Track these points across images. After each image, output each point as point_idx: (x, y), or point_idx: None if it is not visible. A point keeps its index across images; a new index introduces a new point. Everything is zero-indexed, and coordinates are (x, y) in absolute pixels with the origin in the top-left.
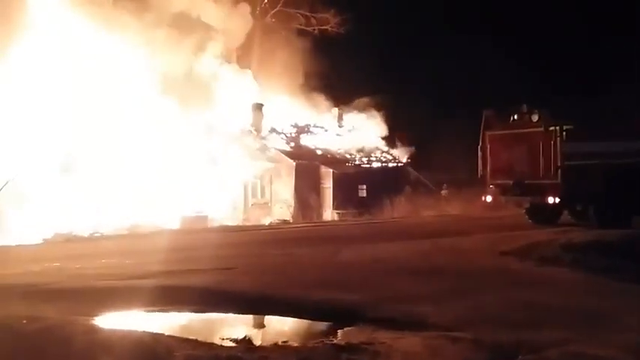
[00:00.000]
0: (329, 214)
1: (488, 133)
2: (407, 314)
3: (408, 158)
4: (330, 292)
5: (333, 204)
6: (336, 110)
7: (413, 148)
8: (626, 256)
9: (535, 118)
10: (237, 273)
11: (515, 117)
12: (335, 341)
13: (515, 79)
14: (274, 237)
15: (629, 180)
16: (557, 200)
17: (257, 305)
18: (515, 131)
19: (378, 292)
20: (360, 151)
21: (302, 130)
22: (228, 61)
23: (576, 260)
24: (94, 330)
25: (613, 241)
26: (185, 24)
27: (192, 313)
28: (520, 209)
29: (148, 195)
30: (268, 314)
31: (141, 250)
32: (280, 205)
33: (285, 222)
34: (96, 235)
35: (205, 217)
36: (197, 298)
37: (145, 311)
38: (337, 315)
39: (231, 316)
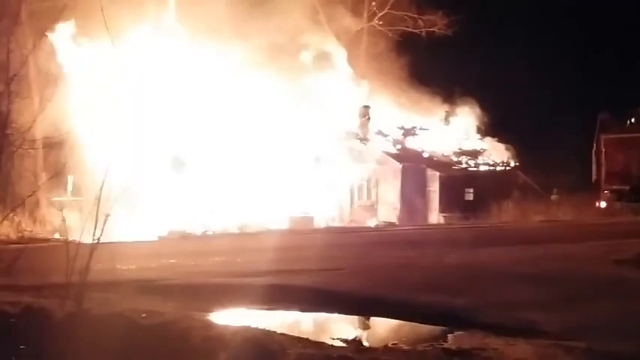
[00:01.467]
0: (435, 217)
1: (603, 136)
2: (518, 321)
3: (516, 162)
4: (439, 296)
5: (439, 207)
6: (442, 112)
7: (521, 152)
8: None
9: None
10: (344, 274)
11: (633, 120)
12: (445, 345)
13: (632, 80)
14: (380, 239)
15: None
16: None
17: (365, 306)
18: (633, 135)
19: (487, 297)
20: (466, 153)
21: (408, 132)
22: (337, 64)
23: None
24: (210, 326)
25: None
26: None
27: (302, 312)
28: (636, 216)
29: (256, 195)
30: (376, 316)
31: (250, 249)
32: (386, 207)
33: (390, 224)
34: (208, 233)
35: (312, 218)
36: (306, 298)
37: (256, 309)
38: (446, 319)
39: (339, 316)
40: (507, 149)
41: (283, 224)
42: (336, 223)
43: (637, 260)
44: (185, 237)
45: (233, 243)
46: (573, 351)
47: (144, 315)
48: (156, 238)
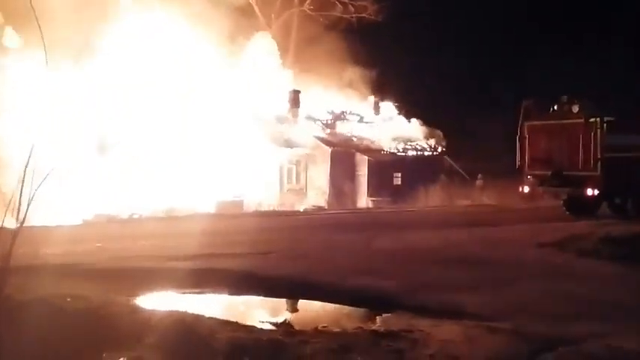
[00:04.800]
0: (363, 201)
1: (527, 123)
2: (444, 303)
3: (444, 147)
4: (367, 279)
5: (367, 191)
6: (372, 98)
7: (447, 138)
8: None
9: (575, 109)
10: (274, 258)
11: (555, 108)
12: (374, 327)
13: (556, 70)
14: (310, 223)
15: None
16: (596, 192)
17: (295, 290)
18: (555, 122)
19: (414, 280)
20: (395, 139)
21: (338, 117)
22: (267, 48)
23: (615, 254)
24: (137, 310)
25: None
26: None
27: (231, 296)
28: (557, 200)
29: (184, 178)
30: (306, 299)
31: (178, 233)
32: (315, 191)
33: (319, 208)
34: (134, 217)
35: (241, 202)
36: (235, 281)
37: (184, 293)
38: (375, 301)
39: (269, 299)
40: (435, 135)
41: (212, 208)
42: (266, 207)
43: (559, 243)
44: (111, 220)
45: (160, 227)
46: (498, 332)
47: (68, 300)
48: (81, 222)
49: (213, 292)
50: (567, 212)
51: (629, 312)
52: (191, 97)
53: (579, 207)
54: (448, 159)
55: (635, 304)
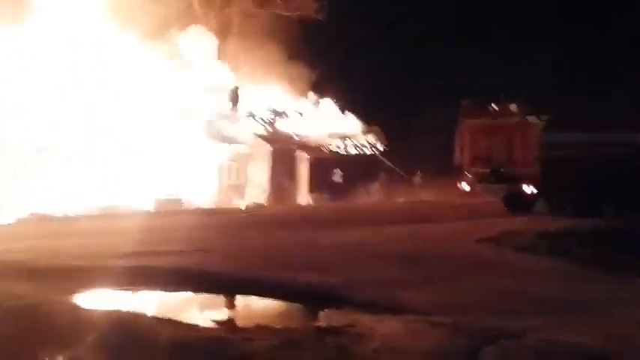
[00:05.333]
0: (304, 198)
1: (466, 121)
2: (386, 298)
3: (384, 145)
4: (309, 275)
5: (308, 189)
6: (313, 96)
7: (386, 135)
8: (601, 245)
9: (513, 108)
10: (215, 255)
11: (494, 107)
12: (318, 324)
13: (495, 70)
14: (250, 220)
15: (601, 170)
16: (533, 189)
17: (237, 287)
18: (494, 121)
19: (356, 276)
20: (336, 137)
21: (279, 114)
22: (206, 44)
23: (551, 249)
24: (76, 308)
25: (588, 230)
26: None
27: (172, 294)
28: (496, 197)
29: (121, 176)
30: (248, 296)
31: (116, 231)
32: (255, 188)
33: (260, 205)
34: (70, 215)
35: (179, 200)
36: (176, 279)
37: (122, 291)
38: (318, 298)
39: (210, 297)
40: (374, 132)
41: (150, 206)
42: (205, 205)
43: (497, 239)
44: (46, 219)
45: (97, 225)
46: (439, 326)
47: (3, 298)
48: (15, 221)
49: (153, 290)
50: (505, 209)
51: (565, 306)
52: (130, 96)
53: (517, 203)
54: (384, 159)
55: (570, 298)
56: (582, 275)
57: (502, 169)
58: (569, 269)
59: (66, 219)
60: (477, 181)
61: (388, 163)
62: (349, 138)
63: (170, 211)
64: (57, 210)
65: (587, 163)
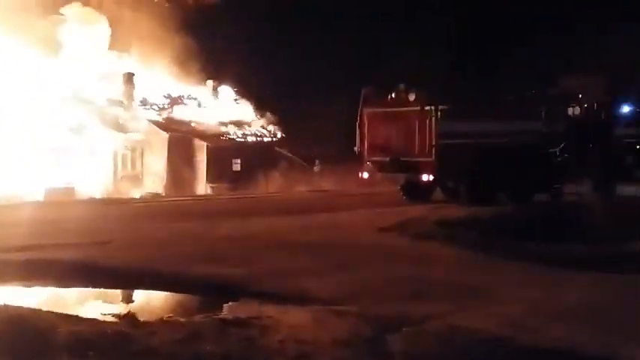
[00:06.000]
0: (202, 188)
1: (366, 110)
2: (290, 288)
3: (282, 133)
4: (211, 267)
5: (206, 178)
6: (210, 83)
7: (285, 123)
8: (497, 232)
9: (412, 97)
10: (111, 247)
11: (393, 95)
12: (222, 316)
13: (396, 57)
14: (147, 210)
15: (497, 159)
16: (431, 177)
17: (135, 280)
18: (393, 109)
19: (259, 267)
20: (234, 124)
21: (175, 101)
22: (101, 30)
23: (450, 236)
24: None
25: (484, 217)
26: None
27: (68, 288)
28: (395, 186)
29: (8, 165)
30: (148, 289)
31: (5, 222)
32: (152, 177)
33: (157, 195)
34: None
35: (72, 189)
36: (71, 273)
37: (14, 286)
38: (220, 290)
39: (109, 291)
40: (274, 121)
41: (40, 196)
42: (99, 195)
43: (398, 227)
44: None
45: None
46: (344, 315)
47: None
48: None
49: (48, 285)
50: (405, 197)
51: (467, 292)
52: (20, 80)
53: (416, 192)
54: (280, 149)
55: (471, 284)
56: (481, 262)
57: (401, 158)
58: (468, 256)
59: None
60: (377, 169)
61: (286, 152)
62: (248, 126)
63: (62, 202)
64: None
65: (482, 152)
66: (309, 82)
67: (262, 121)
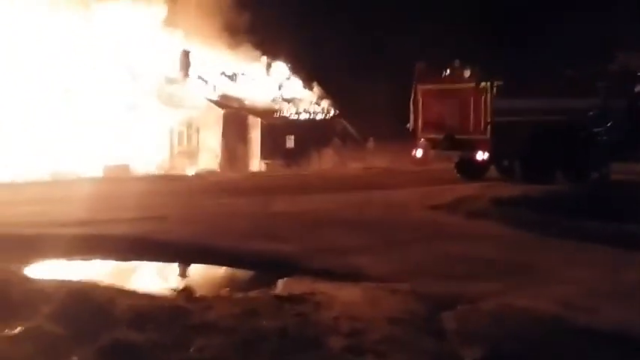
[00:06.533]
0: (256, 164)
1: (420, 86)
2: (343, 265)
3: (336, 110)
4: (265, 243)
5: (260, 154)
6: (264, 59)
7: (339, 100)
8: (552, 210)
9: (467, 73)
10: (168, 222)
11: (448, 72)
12: (276, 292)
13: (449, 32)
14: (202, 186)
15: (553, 137)
16: (486, 155)
17: (192, 255)
18: (447, 86)
19: (312, 244)
20: (287, 101)
21: (230, 79)
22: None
23: (505, 214)
24: (28, 279)
25: (539, 196)
26: None
27: (127, 262)
28: (449, 164)
29: (69, 141)
30: (205, 264)
31: (64, 198)
32: (207, 154)
33: (212, 171)
34: (17, 182)
35: (128, 166)
36: (129, 247)
37: (75, 260)
38: (274, 266)
39: (166, 265)
40: (327, 98)
41: (99, 172)
42: (156, 171)
43: (451, 205)
44: None
45: (44, 191)
46: (398, 292)
47: None
48: None
49: (107, 260)
50: (458, 175)
51: (521, 271)
52: (72, 58)
53: (470, 170)
54: (343, 121)
55: (526, 263)
56: (536, 241)
57: (455, 136)
58: (523, 235)
59: (12, 185)
60: (430, 147)
61: (346, 125)
62: (301, 102)
63: (119, 178)
64: (2, 176)
65: (538, 129)
66: (363, 58)
67: (315, 98)
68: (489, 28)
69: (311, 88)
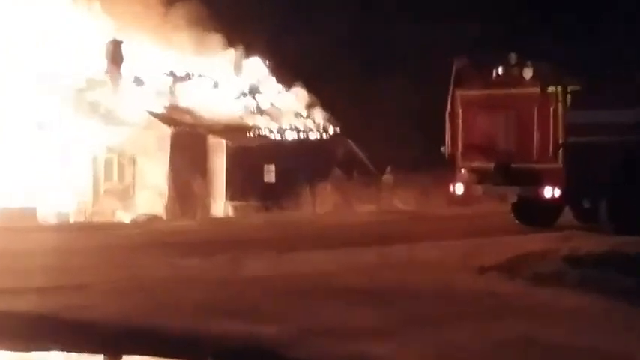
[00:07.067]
0: (220, 207)
1: (460, 92)
2: (348, 355)
3: (337, 127)
4: (237, 322)
5: (226, 192)
6: (232, 53)
7: (343, 115)
8: None
9: (528, 73)
10: (90, 292)
11: (500, 71)
12: None
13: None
14: (143, 240)
15: None
16: (557, 193)
17: (123, 342)
18: (500, 92)
19: (303, 323)
20: (267, 114)
21: (181, 80)
22: None
23: (586, 279)
24: None
25: (636, 252)
26: None
27: (26, 354)
28: (504, 205)
29: None
30: (141, 355)
31: None
32: (148, 192)
33: (155, 218)
34: None
35: (35, 210)
36: (31, 331)
37: None
38: (250, 356)
39: (84, 358)
40: (324, 108)
41: None
42: (74, 218)
43: (507, 267)
44: None
45: None
46: None
47: None
48: None
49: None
50: (517, 221)
51: None
52: None
53: (534, 213)
54: (348, 142)
55: (616, 351)
56: (632, 318)
57: (512, 164)
58: (613, 309)
59: None
60: (475, 181)
61: (353, 148)
62: (286, 115)
63: (22, 228)
64: None
65: (632, 154)
66: (370, 51)
67: (306, 109)
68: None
69: (300, 96)
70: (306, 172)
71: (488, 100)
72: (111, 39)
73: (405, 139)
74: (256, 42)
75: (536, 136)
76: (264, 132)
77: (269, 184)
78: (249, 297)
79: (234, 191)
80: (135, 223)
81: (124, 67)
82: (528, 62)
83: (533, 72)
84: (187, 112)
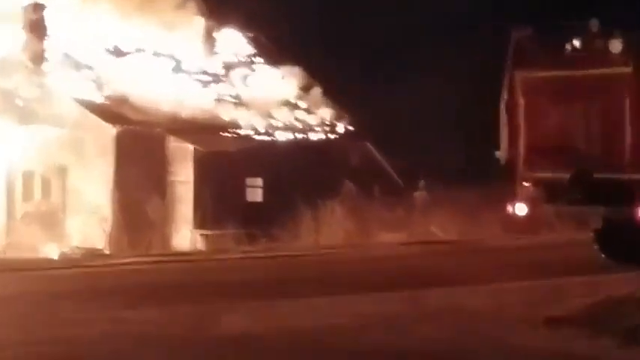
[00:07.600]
0: (186, 237)
1: (521, 75)
2: None
3: (349, 123)
4: None
5: (194, 217)
6: (202, 23)
7: (356, 106)
8: None
9: (617, 47)
10: None
11: (577, 44)
12: None
13: None
14: (76, 285)
15: None
16: None
17: None
18: (576, 73)
19: None
20: (249, 105)
21: (129, 61)
22: None
23: None
24: None
25: None
26: None
27: None
28: (583, 231)
29: None
30: None
31: None
32: (84, 217)
33: (94, 252)
34: None
35: None
36: None
37: None
38: None
39: None
40: (330, 98)
41: None
42: None
43: (587, 318)
44: None
45: None
46: None
47: None
48: None
49: None
50: (603, 255)
51: None
52: None
53: (626, 244)
54: (367, 146)
55: None
56: None
57: (595, 174)
58: None
59: None
60: (543, 198)
61: (375, 154)
62: (278, 108)
63: None
64: None
65: None
66: (391, 24)
67: (307, 100)
68: None
69: (297, 80)
70: (305, 187)
71: (560, 84)
72: (30, 1)
73: (444, 142)
74: (235, 6)
75: (628, 133)
76: (247, 131)
77: (254, 205)
78: None
79: (204, 215)
80: (66, 260)
81: (49, 41)
82: (616, 31)
83: (624, 45)
84: (138, 104)
